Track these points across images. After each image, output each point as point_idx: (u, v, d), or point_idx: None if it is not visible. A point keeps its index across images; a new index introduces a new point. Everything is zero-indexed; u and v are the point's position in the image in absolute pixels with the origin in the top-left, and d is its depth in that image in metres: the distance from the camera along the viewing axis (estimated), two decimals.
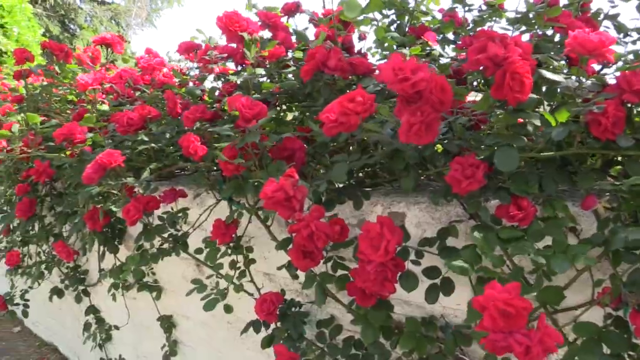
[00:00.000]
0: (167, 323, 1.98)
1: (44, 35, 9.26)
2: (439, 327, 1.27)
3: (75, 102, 2.57)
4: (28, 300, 2.62)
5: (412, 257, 1.18)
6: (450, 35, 1.84)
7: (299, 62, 1.71)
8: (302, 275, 1.40)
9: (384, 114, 1.11)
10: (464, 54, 1.74)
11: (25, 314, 2.63)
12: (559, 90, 1.03)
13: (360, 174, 1.43)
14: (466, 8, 1.66)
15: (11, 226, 2.67)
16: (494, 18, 1.71)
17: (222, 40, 2.09)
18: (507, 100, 0.95)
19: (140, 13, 13.21)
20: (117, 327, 2.32)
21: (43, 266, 2.47)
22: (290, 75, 1.73)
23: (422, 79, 0.94)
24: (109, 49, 2.59)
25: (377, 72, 1.42)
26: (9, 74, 5.71)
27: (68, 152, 1.83)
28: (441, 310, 1.30)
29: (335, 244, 1.31)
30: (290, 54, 1.76)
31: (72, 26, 12.55)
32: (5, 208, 2.61)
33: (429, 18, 1.93)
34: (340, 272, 1.31)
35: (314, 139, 1.55)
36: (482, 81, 1.45)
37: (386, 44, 1.77)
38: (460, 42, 1.59)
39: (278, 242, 1.37)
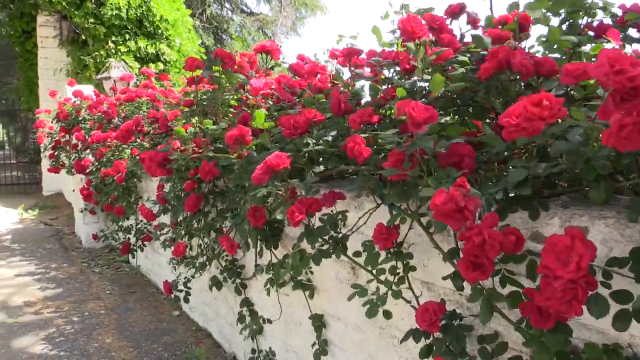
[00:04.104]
0: (319, 322, 2.03)
1: (199, 46, 10.09)
2: (626, 358, 1.14)
3: (234, 106, 2.75)
4: (190, 288, 2.86)
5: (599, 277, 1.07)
6: (634, 33, 1.68)
7: (465, 65, 1.66)
8: (466, 286, 1.35)
9: (578, 118, 1.02)
10: None
11: (186, 300, 2.87)
12: None
13: (537, 182, 1.33)
14: None
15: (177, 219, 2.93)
16: None
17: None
18: None
19: (285, 22, 13.87)
20: (269, 321, 2.43)
21: (204, 258, 2.68)
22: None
23: None
24: (268, 56, 2.74)
25: (560, 74, 1.32)
26: (174, 83, 6.32)
27: (235, 154, 1.96)
28: (628, 339, 1.16)
29: (505, 256, 1.24)
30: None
31: (224, 37, 13.57)
32: (173, 203, 2.87)
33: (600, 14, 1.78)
34: (509, 288, 1.24)
35: (481, 144, 1.49)
36: None
37: (556, 46, 1.66)
38: None
39: (445, 253, 1.33)
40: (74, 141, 5.52)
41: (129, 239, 4.65)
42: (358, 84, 2.18)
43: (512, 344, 1.34)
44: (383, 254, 1.54)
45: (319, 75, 2.48)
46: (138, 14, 8.53)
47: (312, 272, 2.06)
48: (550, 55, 1.65)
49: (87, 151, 5.29)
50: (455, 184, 1.09)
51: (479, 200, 1.07)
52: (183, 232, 2.85)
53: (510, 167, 1.36)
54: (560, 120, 1.12)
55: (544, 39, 1.66)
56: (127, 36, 8.50)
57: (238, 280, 2.62)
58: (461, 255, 1.19)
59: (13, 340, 3.33)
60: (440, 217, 1.08)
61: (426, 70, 1.69)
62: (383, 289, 1.55)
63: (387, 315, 1.56)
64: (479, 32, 1.98)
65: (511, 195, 1.26)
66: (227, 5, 14.04)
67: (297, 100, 2.24)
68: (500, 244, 1.06)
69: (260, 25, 13.97)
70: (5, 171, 12.94)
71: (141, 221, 4.46)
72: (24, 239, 6.55)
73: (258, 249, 2.26)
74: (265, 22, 14.06)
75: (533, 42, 1.71)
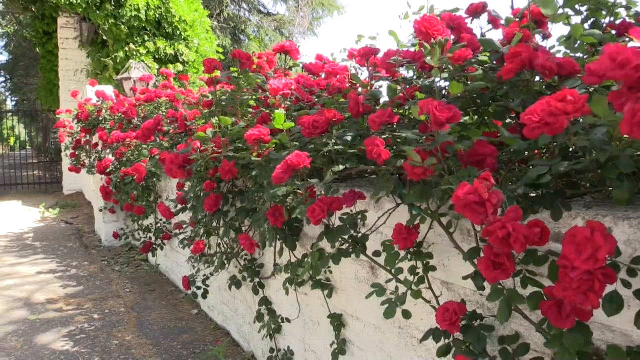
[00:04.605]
0: (337, 322, 2.03)
1: (217, 46, 10.17)
2: None
3: (253, 107, 2.77)
4: (208, 285, 2.89)
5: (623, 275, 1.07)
6: None
7: (485, 64, 1.65)
8: (487, 287, 1.35)
9: (600, 114, 1.01)
10: None
11: (204, 296, 2.90)
12: None
13: (559, 183, 1.33)
14: None
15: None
16: None
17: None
18: None
19: (302, 22, 13.92)
20: (288, 320, 2.44)
21: (223, 257, 2.70)
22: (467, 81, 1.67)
23: None
24: (287, 56, 2.76)
25: (582, 73, 1.31)
26: (193, 83, 6.38)
27: (255, 154, 1.97)
28: None
29: (527, 257, 1.23)
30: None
31: (241, 37, 13.67)
32: (192, 202, 2.89)
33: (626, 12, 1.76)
34: (530, 289, 1.23)
35: (502, 144, 1.48)
36: None
37: (577, 44, 1.64)
38: None
39: (465, 252, 1.32)
40: (95, 141, 5.60)
41: (150, 237, 4.70)
42: (377, 84, 2.18)
43: (534, 345, 1.33)
44: (403, 254, 1.54)
45: (338, 76, 2.49)
46: (157, 16, 8.63)
47: (331, 272, 2.07)
48: (571, 54, 1.64)
49: (108, 151, 5.37)
50: (479, 177, 1.08)
51: (502, 195, 1.06)
52: (202, 231, 2.88)
53: (531, 167, 1.35)
54: (582, 120, 1.11)
55: (565, 38, 1.64)
56: (146, 37, 8.61)
57: (257, 280, 2.64)
58: (482, 254, 1.18)
59: (36, 337, 3.39)
60: (462, 209, 1.08)
61: (445, 70, 1.69)
62: (402, 288, 1.55)
63: (407, 315, 1.56)
64: (500, 31, 1.97)
65: (533, 195, 1.25)
66: (244, 5, 14.14)
67: (316, 100, 2.25)
68: (526, 237, 1.05)
69: (277, 26, 14.04)
70: (27, 170, 13.19)
71: (160, 220, 4.51)
72: (45, 237, 6.66)
73: (278, 248, 2.27)
74: (282, 22, 14.13)
75: (554, 42, 1.70)
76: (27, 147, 22.10)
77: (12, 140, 27.18)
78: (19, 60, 21.53)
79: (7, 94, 27.12)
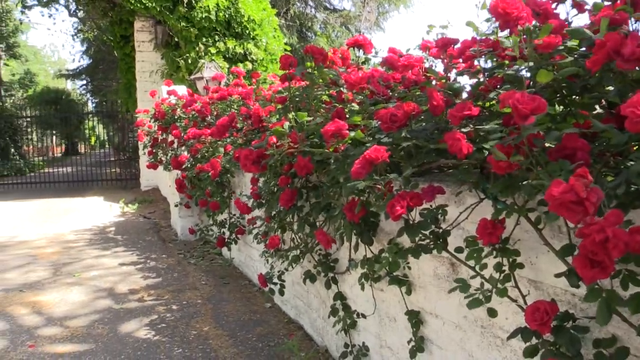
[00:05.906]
0: (415, 319, 2.00)
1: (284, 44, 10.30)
2: None
3: (325, 102, 2.78)
4: (284, 281, 2.92)
5: None
6: None
7: (574, 52, 1.57)
8: (581, 286, 1.28)
9: None
10: None
11: (282, 292, 2.94)
12: None
13: None
14: None
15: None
16: None
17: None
18: None
19: (369, 17, 13.84)
20: (363, 316, 2.44)
21: (298, 251, 2.73)
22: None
23: None
24: (360, 50, 2.74)
25: None
26: (265, 80, 6.50)
27: (332, 149, 1.97)
28: None
29: (627, 255, 1.16)
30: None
31: (308, 34, 13.80)
32: (267, 197, 2.94)
33: None
34: (631, 289, 1.15)
35: (594, 135, 1.40)
36: None
37: None
38: None
39: (556, 250, 1.26)
40: (171, 139, 5.82)
41: (224, 232, 4.84)
42: (453, 76, 2.12)
43: (634, 350, 1.25)
44: (487, 250, 1.49)
45: (413, 68, 2.44)
46: (226, 16, 8.86)
47: (409, 268, 2.03)
48: None
49: (183, 148, 5.56)
50: (575, 174, 1.02)
51: (601, 192, 1.00)
52: (276, 226, 2.92)
53: (631, 162, 1.26)
54: None
55: None
56: (216, 37, 8.86)
57: (331, 274, 2.65)
58: (577, 252, 1.12)
59: (120, 325, 3.58)
60: (557, 208, 1.02)
61: (539, 57, 1.61)
62: (486, 286, 1.50)
63: (492, 313, 1.51)
64: (585, 16, 1.86)
65: (634, 189, 1.17)
66: (310, 3, 14.25)
67: (391, 94, 2.22)
68: (626, 244, 0.98)
69: (343, 22, 14.05)
70: (107, 168, 13.96)
71: (234, 215, 4.63)
72: (126, 231, 7.02)
73: (353, 243, 2.26)
74: (348, 18, 14.12)
75: None
76: (107, 146, 23.41)
77: (92, 139, 28.85)
78: (99, 63, 22.83)
79: (88, 95, 28.85)
